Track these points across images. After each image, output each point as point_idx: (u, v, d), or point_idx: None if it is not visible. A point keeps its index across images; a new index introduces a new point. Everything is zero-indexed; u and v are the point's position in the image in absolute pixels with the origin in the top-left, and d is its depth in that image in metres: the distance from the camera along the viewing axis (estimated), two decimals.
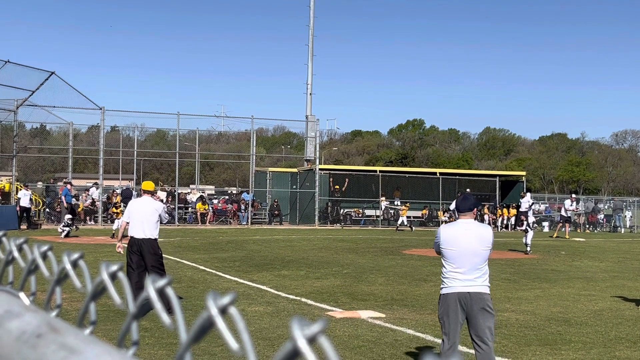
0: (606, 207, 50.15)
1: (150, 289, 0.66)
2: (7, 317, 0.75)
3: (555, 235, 33.46)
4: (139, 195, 14.18)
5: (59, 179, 43.34)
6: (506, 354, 8.76)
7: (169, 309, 0.71)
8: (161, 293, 0.70)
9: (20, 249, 0.99)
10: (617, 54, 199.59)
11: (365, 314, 11.33)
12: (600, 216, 44.99)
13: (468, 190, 37.65)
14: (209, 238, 27.46)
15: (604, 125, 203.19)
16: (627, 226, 45.82)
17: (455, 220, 7.42)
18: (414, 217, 39.86)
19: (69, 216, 27.20)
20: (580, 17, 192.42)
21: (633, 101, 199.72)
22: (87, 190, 37.62)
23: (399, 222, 36.81)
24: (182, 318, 0.63)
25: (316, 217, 39.14)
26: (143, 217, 11.00)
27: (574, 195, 36.24)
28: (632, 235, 39.41)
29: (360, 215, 41.05)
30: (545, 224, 42.89)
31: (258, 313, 11.30)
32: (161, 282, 0.67)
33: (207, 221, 37.88)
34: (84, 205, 35.36)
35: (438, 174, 44.48)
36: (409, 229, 36.41)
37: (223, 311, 0.56)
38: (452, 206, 24.88)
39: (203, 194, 43.66)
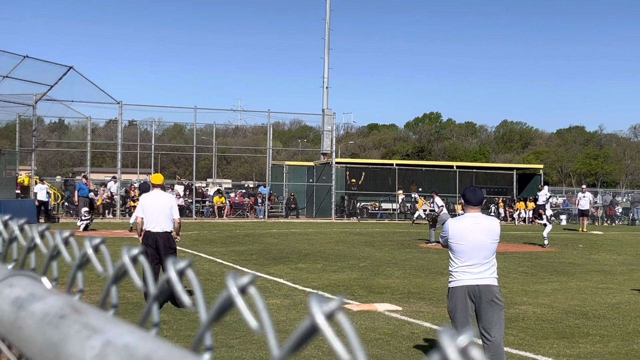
0: (624, 200, 49.80)
1: (171, 271, 0.68)
2: (30, 300, 0.76)
3: (581, 229, 33.31)
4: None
5: (77, 173, 43.64)
6: (524, 347, 8.74)
7: (189, 293, 0.72)
8: (180, 277, 0.71)
9: (42, 235, 1.01)
10: (634, 46, 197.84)
11: (381, 307, 11.34)
12: (619, 209, 44.69)
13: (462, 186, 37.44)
14: (226, 231, 27.56)
15: (622, 118, 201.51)
16: None
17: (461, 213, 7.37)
18: (430, 210, 39.77)
19: (85, 209, 27.35)
20: (598, 10, 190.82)
21: None
22: (104, 185, 37.85)
23: (416, 215, 36.77)
24: (202, 298, 0.64)
25: (333, 211, 39.15)
26: (157, 210, 11.04)
27: (584, 187, 36.03)
28: None
29: (376, 209, 41.02)
30: (563, 217, 42.66)
31: (275, 306, 11.33)
32: (182, 264, 0.69)
33: (225, 215, 38.00)
34: (102, 199, 35.58)
35: (455, 168, 44.33)
36: (426, 222, 36.32)
37: (242, 291, 0.57)
38: (439, 202, 24.51)
39: (220, 188, 43.81)
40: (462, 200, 7.26)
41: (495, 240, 7.05)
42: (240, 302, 0.58)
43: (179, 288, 0.68)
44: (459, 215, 32.55)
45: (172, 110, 47.02)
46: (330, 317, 0.50)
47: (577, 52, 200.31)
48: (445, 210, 23.84)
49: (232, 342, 8.39)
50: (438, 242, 23.16)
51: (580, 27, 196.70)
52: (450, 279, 7.12)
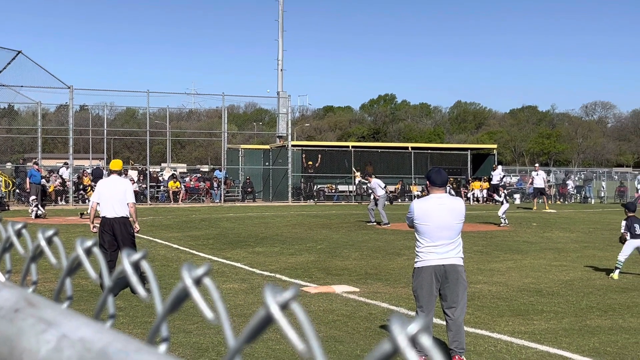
0: (576, 178, 50.70)
1: (126, 262, 0.67)
2: None
3: (535, 208, 33.84)
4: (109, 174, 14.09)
5: (28, 160, 42.86)
6: (479, 325, 8.89)
7: (144, 284, 0.72)
8: (136, 267, 0.71)
9: None
10: (585, 25, 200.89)
11: (339, 289, 11.41)
12: (571, 187, 45.48)
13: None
14: (182, 216, 27.39)
15: (574, 97, 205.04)
16: (603, 195, 46.40)
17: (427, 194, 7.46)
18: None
19: (33, 197, 26.92)
20: None
21: (602, 73, 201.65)
22: (55, 171, 37.26)
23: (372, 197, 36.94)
24: (157, 290, 0.65)
25: (289, 194, 39.15)
26: (111, 195, 10.96)
27: (537, 165, 36.61)
28: (603, 206, 39.94)
29: (333, 191, 41.13)
30: (517, 196, 43.29)
31: (233, 290, 11.33)
32: (136, 256, 0.69)
33: (180, 199, 37.72)
34: (55, 186, 35.03)
35: (410, 149, 44.62)
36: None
37: (197, 282, 0.58)
38: (376, 184, 24.11)
39: (175, 172, 43.45)
40: (427, 182, 7.35)
41: (460, 220, 7.15)
42: (195, 293, 0.58)
43: (134, 280, 0.68)
44: (415, 196, 32.71)
45: (124, 94, 46.57)
46: (284, 307, 0.51)
47: (528, 31, 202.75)
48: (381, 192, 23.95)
49: (190, 327, 8.37)
50: (380, 222, 23.35)
51: (529, 5, 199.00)
52: (416, 259, 7.20)
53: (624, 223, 13.19)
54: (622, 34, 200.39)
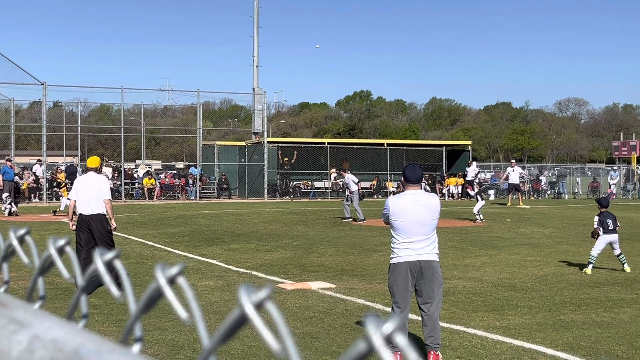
0: (550, 174, 51.13)
1: (99, 262, 0.67)
2: None
3: (509, 203, 34.08)
4: (84, 171, 13.99)
5: (1, 157, 42.41)
6: (455, 321, 8.94)
7: (119, 283, 0.71)
8: (110, 267, 0.70)
9: None
10: (559, 21, 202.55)
11: (315, 285, 11.42)
12: (544, 183, 45.87)
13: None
14: (157, 213, 27.25)
15: (547, 93, 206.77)
16: (577, 191, 46.82)
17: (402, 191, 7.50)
18: (362, 188, 40.10)
19: (6, 194, 26.64)
20: None
21: (575, 69, 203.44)
22: (29, 168, 36.89)
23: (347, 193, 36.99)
24: (131, 289, 0.64)
25: (265, 190, 39.08)
26: (89, 193, 10.89)
27: (513, 161, 36.85)
28: (576, 202, 40.32)
29: (309, 188, 41.13)
30: (491, 192, 43.58)
31: (208, 287, 11.29)
32: (109, 255, 0.68)
33: (155, 196, 37.53)
34: (28, 183, 34.69)
35: (386, 145, 44.74)
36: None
37: (171, 282, 0.57)
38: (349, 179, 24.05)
39: (150, 169, 43.21)
40: (402, 179, 7.40)
41: (435, 216, 7.18)
42: (169, 293, 0.58)
43: (107, 279, 0.68)
44: (391, 192, 32.82)
45: (98, 90, 46.05)
46: (259, 306, 0.50)
47: (502, 28, 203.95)
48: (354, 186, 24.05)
49: (166, 325, 8.33)
50: (356, 219, 23.42)
51: (503, 2, 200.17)
52: (391, 255, 7.22)
53: (596, 218, 13.33)
54: (595, 30, 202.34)
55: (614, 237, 13.17)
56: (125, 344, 0.61)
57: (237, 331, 0.51)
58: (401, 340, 0.47)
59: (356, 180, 24.58)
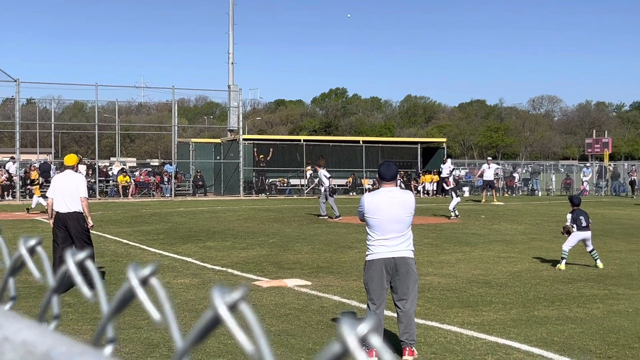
0: (524, 171, 51.51)
1: (70, 263, 0.66)
2: None
3: (483, 200, 34.28)
4: (57, 169, 13.89)
5: None
6: (430, 317, 8.98)
7: (92, 283, 0.71)
8: (83, 266, 0.69)
9: None
10: (532, 19, 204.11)
11: (291, 283, 11.41)
12: (518, 180, 46.19)
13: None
14: (132, 211, 27.07)
15: (521, 91, 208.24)
16: (551, 188, 47.19)
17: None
18: (338, 185, 40.17)
19: None
20: None
21: (549, 67, 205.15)
22: (2, 166, 36.48)
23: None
24: (103, 290, 0.63)
25: (241, 188, 38.96)
26: (65, 191, 10.82)
27: (490, 158, 37.07)
28: (549, 198, 40.65)
29: (285, 185, 41.08)
30: (466, 189, 43.83)
31: (184, 285, 11.24)
32: (81, 256, 0.67)
33: (130, 194, 37.28)
34: (1, 181, 34.30)
35: (361, 142, 44.81)
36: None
37: (144, 282, 0.57)
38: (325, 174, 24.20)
39: (124, 167, 42.91)
40: (377, 176, 7.43)
41: (410, 213, 7.20)
42: (141, 294, 0.57)
43: (78, 280, 0.67)
44: (366, 189, 32.92)
45: (72, 87, 45.83)
46: (233, 308, 0.50)
47: (476, 25, 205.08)
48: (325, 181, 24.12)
49: (140, 323, 8.28)
50: (333, 216, 23.46)
51: (480, 1, 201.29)
52: (367, 252, 7.25)
53: (569, 216, 13.47)
54: (568, 28, 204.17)
55: (587, 234, 13.32)
56: (98, 345, 0.60)
57: (210, 332, 0.51)
58: (376, 341, 0.47)
59: (328, 175, 24.61)
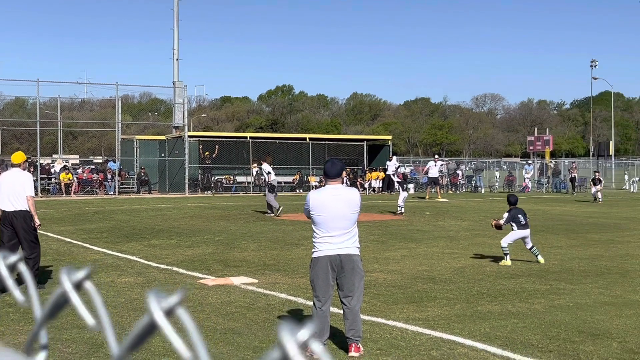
0: (467, 168, 52.21)
1: (1, 265, 0.63)
2: None
3: (427, 197, 34.58)
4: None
5: None
6: (375, 313, 9.03)
7: (39, 284, 0.68)
8: (32, 267, 0.67)
9: None
10: (475, 18, 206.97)
11: (237, 280, 11.36)
12: (461, 177, 46.78)
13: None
14: (75, 209, 26.60)
15: (465, 89, 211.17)
16: (495, 184, 47.91)
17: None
18: (285, 182, 40.11)
19: None
20: None
21: (492, 65, 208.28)
22: None
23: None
24: (36, 294, 0.61)
25: (186, 185, 38.61)
26: (10, 189, 10.62)
27: (437, 156, 37.46)
28: (492, 195, 41.27)
29: (231, 182, 40.86)
30: (411, 186, 44.22)
31: (128, 284, 11.10)
32: (12, 259, 0.65)
33: (72, 192, 36.63)
34: None
35: (308, 140, 44.85)
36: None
37: (78, 286, 0.55)
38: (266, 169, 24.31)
39: (67, 164, 42.13)
40: (323, 173, 7.46)
41: (355, 210, 7.23)
42: (75, 298, 0.55)
43: (10, 284, 0.64)
44: (313, 187, 33.04)
45: (13, 83, 44.82)
46: (169, 313, 0.48)
47: (422, 24, 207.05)
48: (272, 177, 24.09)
49: (84, 323, 8.11)
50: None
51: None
52: (313, 250, 7.26)
53: (506, 214, 13.73)
54: (511, 27, 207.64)
55: (526, 232, 13.57)
56: (30, 352, 0.58)
57: (147, 339, 0.49)
58: (317, 347, 0.46)
59: (267, 170, 24.56)
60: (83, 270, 0.57)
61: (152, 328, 0.49)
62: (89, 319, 0.54)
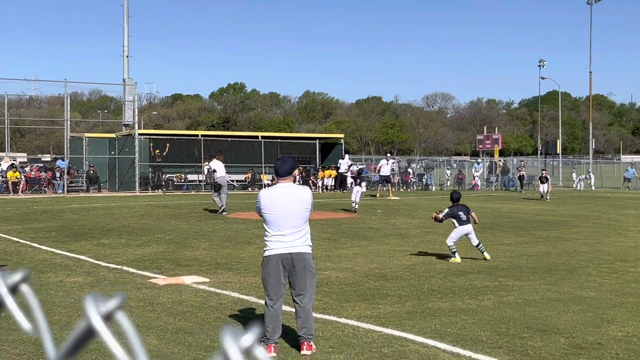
0: (418, 166, 52.63)
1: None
2: None
3: (378, 194, 34.73)
4: None
5: None
6: (327, 311, 9.04)
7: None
8: None
9: None
10: (426, 17, 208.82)
11: (189, 280, 11.27)
12: (412, 175, 47.15)
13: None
14: (22, 208, 26.08)
15: (416, 88, 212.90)
16: (447, 181, 48.36)
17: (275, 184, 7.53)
18: (237, 180, 39.92)
19: None
20: None
21: (442, 65, 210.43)
22: None
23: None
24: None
25: (137, 184, 38.15)
26: None
27: (389, 155, 37.65)
28: (443, 193, 41.65)
29: (182, 181, 40.52)
30: (363, 184, 44.40)
31: (77, 284, 10.93)
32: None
33: (20, 190, 35.92)
34: None
35: (260, 138, 44.71)
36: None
37: (14, 290, 0.53)
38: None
39: (14, 162, 41.27)
40: (274, 172, 7.46)
41: (307, 208, 7.23)
42: (10, 302, 0.54)
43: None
44: (265, 185, 32.92)
45: None
46: (108, 317, 0.47)
47: (374, 22, 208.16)
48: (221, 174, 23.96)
49: (32, 324, 7.99)
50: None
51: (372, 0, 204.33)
52: (264, 248, 7.24)
53: (447, 210, 13.89)
54: (460, 26, 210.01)
55: (468, 228, 13.71)
56: None
57: (85, 344, 0.48)
58: (261, 353, 0.45)
59: (212, 168, 24.42)
60: (19, 273, 0.56)
61: (90, 333, 0.48)
62: (25, 324, 0.53)
